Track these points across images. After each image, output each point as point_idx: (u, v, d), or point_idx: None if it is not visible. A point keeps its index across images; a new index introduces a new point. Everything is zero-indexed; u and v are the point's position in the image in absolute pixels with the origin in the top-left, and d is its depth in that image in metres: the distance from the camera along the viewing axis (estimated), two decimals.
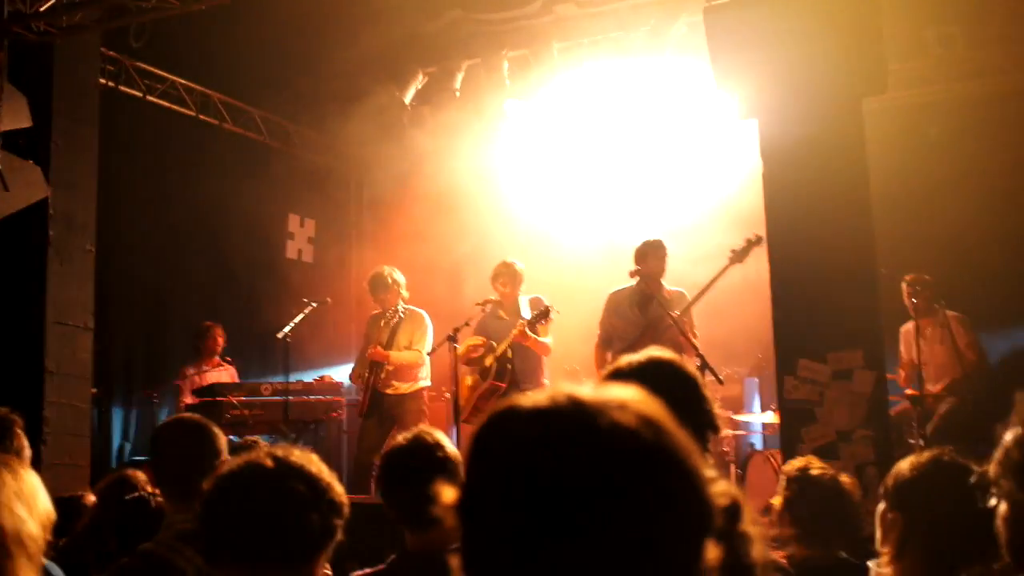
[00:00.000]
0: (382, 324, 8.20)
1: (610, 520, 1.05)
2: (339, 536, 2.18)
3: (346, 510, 2.19)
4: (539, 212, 10.54)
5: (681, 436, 1.14)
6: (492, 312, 7.72)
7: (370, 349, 8.03)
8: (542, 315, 7.18)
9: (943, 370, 7.44)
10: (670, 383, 2.30)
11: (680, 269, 7.98)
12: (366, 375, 8.11)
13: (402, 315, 8.16)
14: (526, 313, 7.55)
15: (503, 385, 7.37)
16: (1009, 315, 8.48)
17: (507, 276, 7.74)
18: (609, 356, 7.53)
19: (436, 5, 9.30)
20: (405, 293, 8.28)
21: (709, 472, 1.19)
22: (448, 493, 1.16)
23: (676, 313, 7.03)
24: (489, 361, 7.51)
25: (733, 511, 1.60)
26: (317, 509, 2.10)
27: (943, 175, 8.58)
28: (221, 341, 8.99)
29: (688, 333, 6.96)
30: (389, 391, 8.05)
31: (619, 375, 2.38)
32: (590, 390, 1.16)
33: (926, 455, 2.76)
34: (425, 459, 2.94)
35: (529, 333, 7.27)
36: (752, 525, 1.68)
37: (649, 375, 2.34)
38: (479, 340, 7.72)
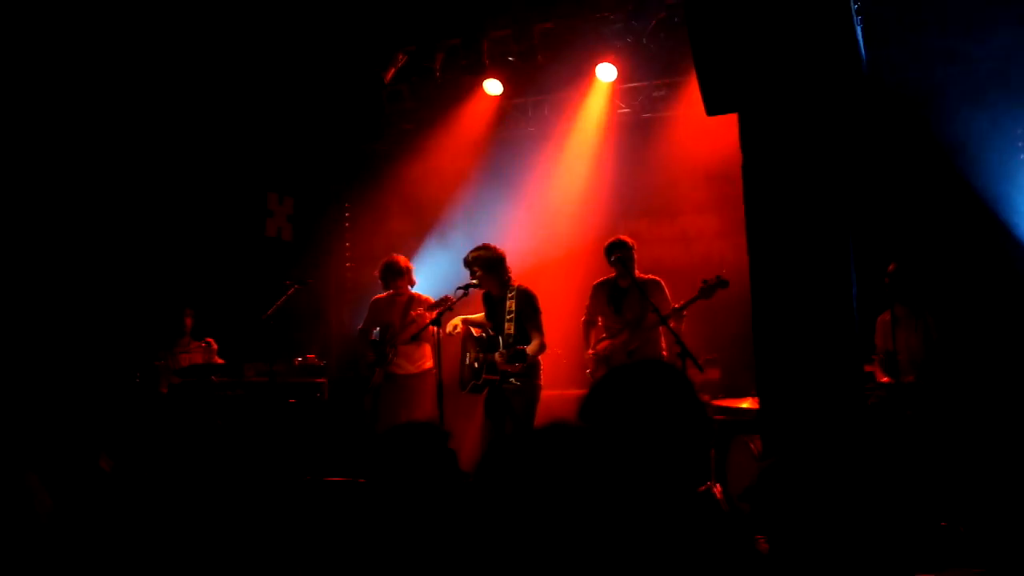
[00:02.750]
0: (392, 307, 8.58)
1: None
2: None
3: None
4: (521, 194, 10.61)
5: None
6: (487, 297, 7.79)
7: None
8: (516, 359, 7.29)
9: (917, 362, 7.55)
10: (669, 386, 2.39)
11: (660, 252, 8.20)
12: (383, 352, 8.35)
13: (412, 299, 8.59)
14: (520, 314, 7.54)
15: (495, 378, 7.51)
16: None
17: (477, 265, 7.71)
18: (592, 334, 8.34)
19: None
20: (415, 279, 8.74)
21: None
22: None
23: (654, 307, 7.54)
24: (482, 358, 7.65)
25: None
26: None
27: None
28: (189, 322, 8.99)
29: (670, 323, 7.30)
30: (395, 370, 8.34)
31: (618, 376, 2.44)
32: None
33: None
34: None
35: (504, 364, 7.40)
36: None
37: (648, 377, 2.40)
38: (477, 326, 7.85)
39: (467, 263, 7.67)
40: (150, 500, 3.54)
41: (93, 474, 3.60)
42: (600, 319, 8.29)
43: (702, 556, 1.35)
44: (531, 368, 7.49)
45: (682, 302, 7.75)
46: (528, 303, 7.57)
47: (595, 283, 8.35)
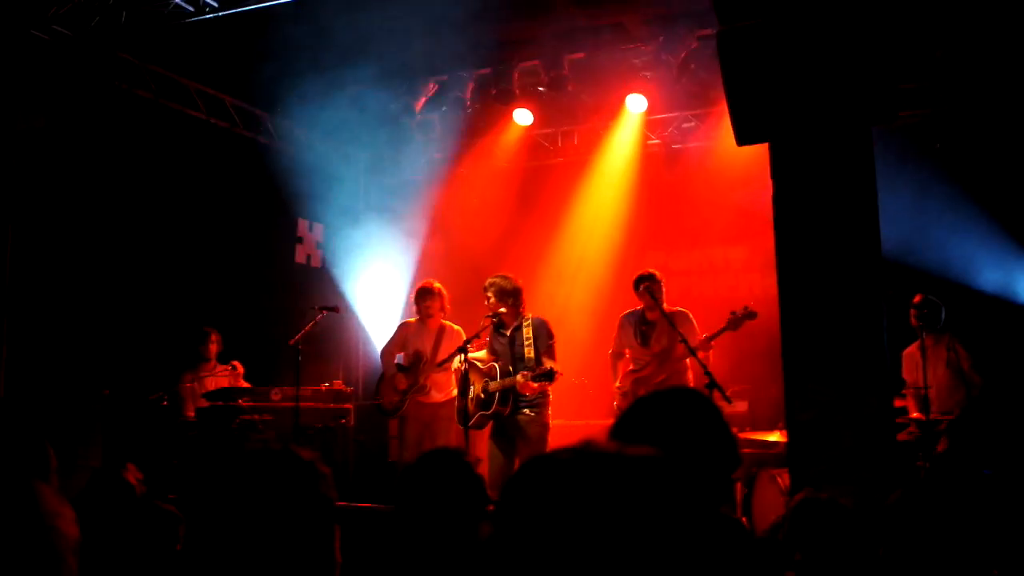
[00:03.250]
0: (423, 334, 8.47)
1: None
2: None
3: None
4: (549, 224, 10.64)
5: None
6: (495, 327, 7.76)
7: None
8: (545, 377, 7.19)
9: (945, 392, 7.54)
10: (696, 415, 2.38)
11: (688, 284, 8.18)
12: (415, 380, 8.30)
13: (444, 329, 8.47)
14: (536, 341, 7.51)
15: (507, 411, 7.50)
16: None
17: (491, 291, 7.71)
18: (619, 366, 8.33)
19: (448, 14, 9.35)
20: (449, 306, 8.60)
21: None
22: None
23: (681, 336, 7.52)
24: (492, 387, 7.56)
25: None
26: None
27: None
28: (215, 347, 8.99)
29: (698, 354, 7.27)
30: (425, 399, 8.29)
31: (646, 405, 2.43)
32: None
33: None
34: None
35: (530, 383, 7.30)
36: None
37: (676, 406, 2.39)
38: (484, 358, 7.80)
39: (484, 288, 7.71)
40: (178, 522, 3.52)
41: (119, 488, 3.60)
42: (627, 351, 8.25)
43: None
44: (544, 397, 7.54)
45: (710, 333, 7.73)
46: (544, 331, 7.62)
47: (622, 315, 8.34)
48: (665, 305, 7.91)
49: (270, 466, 2.14)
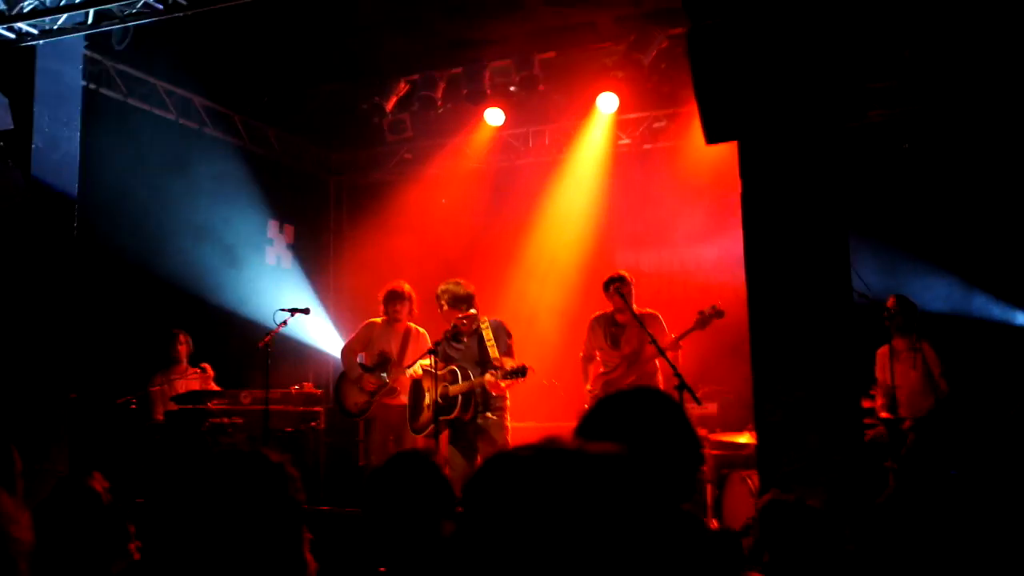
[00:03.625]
0: (389, 335, 8.34)
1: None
2: None
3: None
4: (520, 224, 10.63)
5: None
6: (451, 335, 7.67)
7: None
8: (518, 373, 7.12)
9: (915, 396, 7.58)
10: (659, 414, 2.37)
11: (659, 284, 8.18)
12: (380, 382, 8.21)
13: (410, 332, 8.35)
14: (496, 342, 7.46)
15: (468, 416, 7.45)
16: None
17: (444, 298, 7.65)
18: (590, 369, 8.27)
19: (419, 14, 9.33)
20: (416, 310, 8.43)
21: None
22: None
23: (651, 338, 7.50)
24: (454, 391, 7.47)
25: None
26: None
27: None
28: (184, 348, 8.91)
29: (668, 354, 7.27)
30: (393, 401, 8.21)
31: (610, 404, 2.42)
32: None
33: None
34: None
35: (500, 381, 7.23)
36: None
37: (640, 405, 2.39)
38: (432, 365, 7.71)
39: (436, 296, 7.65)
40: (146, 529, 3.48)
41: (84, 496, 3.55)
42: (598, 353, 8.23)
43: None
44: (504, 401, 7.52)
45: (678, 333, 7.73)
46: (503, 331, 7.62)
47: (592, 317, 8.29)
48: (635, 306, 7.91)
49: (239, 469, 2.11)
